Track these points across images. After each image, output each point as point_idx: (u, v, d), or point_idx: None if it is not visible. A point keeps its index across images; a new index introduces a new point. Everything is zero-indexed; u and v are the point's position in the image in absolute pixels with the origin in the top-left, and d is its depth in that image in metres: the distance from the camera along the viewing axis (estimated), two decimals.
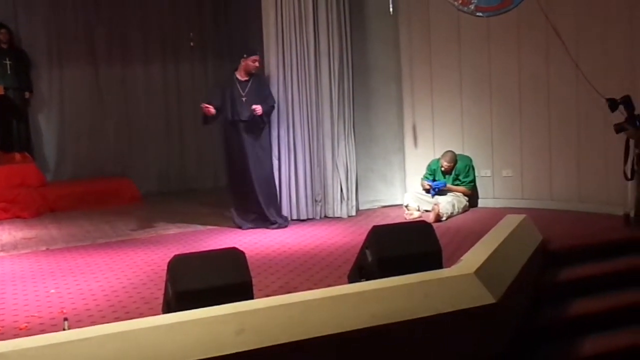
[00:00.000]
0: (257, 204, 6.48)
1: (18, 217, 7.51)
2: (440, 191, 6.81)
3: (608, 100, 5.30)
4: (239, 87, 6.48)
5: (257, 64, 6.50)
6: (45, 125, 9.12)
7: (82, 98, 9.15)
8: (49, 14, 8.96)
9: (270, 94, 6.60)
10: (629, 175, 5.43)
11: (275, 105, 6.63)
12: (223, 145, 6.68)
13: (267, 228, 6.45)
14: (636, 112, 5.27)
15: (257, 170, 6.48)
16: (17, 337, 3.19)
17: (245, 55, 6.49)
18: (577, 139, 6.51)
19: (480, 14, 6.94)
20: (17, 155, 8.53)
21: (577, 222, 6.05)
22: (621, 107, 5.30)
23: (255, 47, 6.79)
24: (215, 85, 6.66)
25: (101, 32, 9.15)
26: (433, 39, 7.18)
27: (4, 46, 8.73)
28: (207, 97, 6.59)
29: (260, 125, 6.48)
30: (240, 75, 6.50)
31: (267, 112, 6.49)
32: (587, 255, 5.09)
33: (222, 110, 6.44)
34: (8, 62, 8.69)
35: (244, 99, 6.42)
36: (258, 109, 6.32)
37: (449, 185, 6.86)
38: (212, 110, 6.33)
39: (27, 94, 8.91)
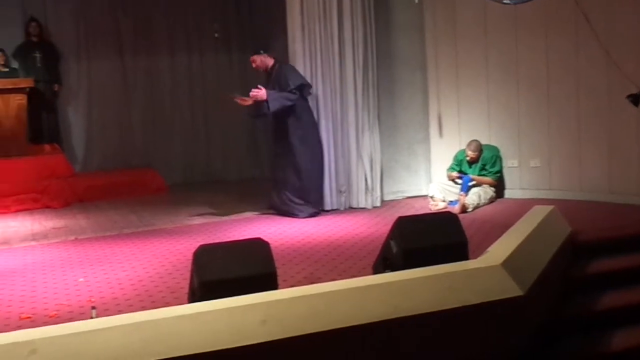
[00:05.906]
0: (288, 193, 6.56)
1: (48, 207, 7.61)
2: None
3: (629, 97, 5.09)
4: (265, 79, 6.61)
5: (253, 64, 6.61)
6: (74, 117, 9.24)
7: (109, 90, 9.24)
8: (77, 7, 9.05)
9: (288, 81, 6.41)
10: None
11: (297, 93, 6.43)
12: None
13: (293, 216, 6.48)
14: None
15: (296, 156, 6.53)
16: (47, 325, 3.26)
17: None
18: (608, 127, 6.38)
19: (508, 1, 6.81)
20: (47, 147, 8.66)
21: (607, 213, 5.94)
22: None
23: (259, 46, 6.90)
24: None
25: (127, 24, 9.22)
26: (458, 27, 7.09)
27: (35, 39, 8.86)
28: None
29: (264, 111, 6.41)
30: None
31: (278, 98, 6.33)
32: (617, 247, 5.01)
33: None
34: (38, 55, 8.83)
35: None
36: (261, 93, 6.29)
37: (474, 176, 6.78)
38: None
39: (56, 87, 9.03)
